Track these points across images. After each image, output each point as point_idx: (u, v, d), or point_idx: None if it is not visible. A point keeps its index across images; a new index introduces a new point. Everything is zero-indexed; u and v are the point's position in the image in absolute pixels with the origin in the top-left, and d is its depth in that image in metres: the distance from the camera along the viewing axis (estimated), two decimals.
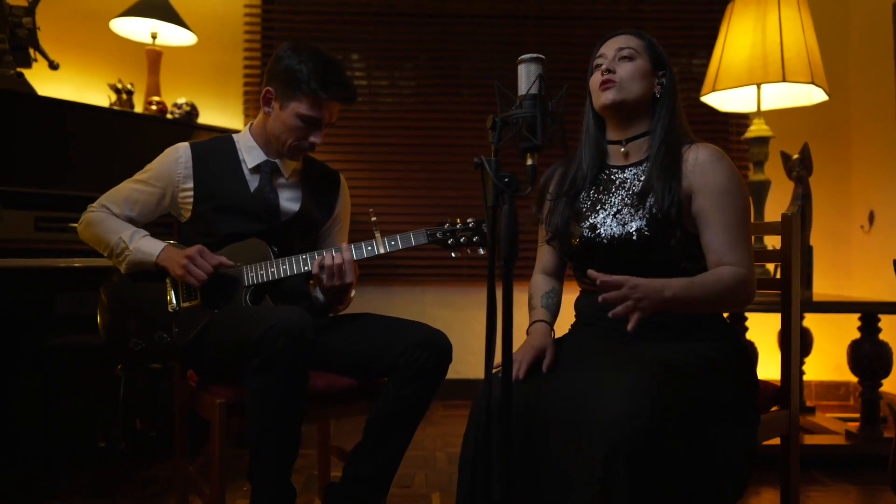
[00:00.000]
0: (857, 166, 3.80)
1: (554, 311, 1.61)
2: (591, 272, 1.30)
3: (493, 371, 1.39)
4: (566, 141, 1.27)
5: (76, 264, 2.35)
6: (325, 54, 1.78)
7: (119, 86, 2.95)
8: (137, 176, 1.84)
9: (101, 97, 3.08)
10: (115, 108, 2.95)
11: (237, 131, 2.07)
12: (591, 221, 1.53)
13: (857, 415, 2.72)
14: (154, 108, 2.94)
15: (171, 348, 1.72)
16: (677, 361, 1.36)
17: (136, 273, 1.77)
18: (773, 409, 1.60)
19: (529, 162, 1.24)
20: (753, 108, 3.01)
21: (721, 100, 3.06)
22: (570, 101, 1.27)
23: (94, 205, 1.83)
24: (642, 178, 1.51)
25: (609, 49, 1.55)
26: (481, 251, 1.79)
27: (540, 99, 1.22)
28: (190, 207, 1.81)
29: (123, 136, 2.65)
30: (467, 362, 3.64)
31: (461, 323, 3.72)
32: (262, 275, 1.75)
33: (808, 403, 3.25)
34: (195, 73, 3.47)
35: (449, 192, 3.69)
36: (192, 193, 1.80)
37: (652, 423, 1.20)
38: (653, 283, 1.29)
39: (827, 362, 3.61)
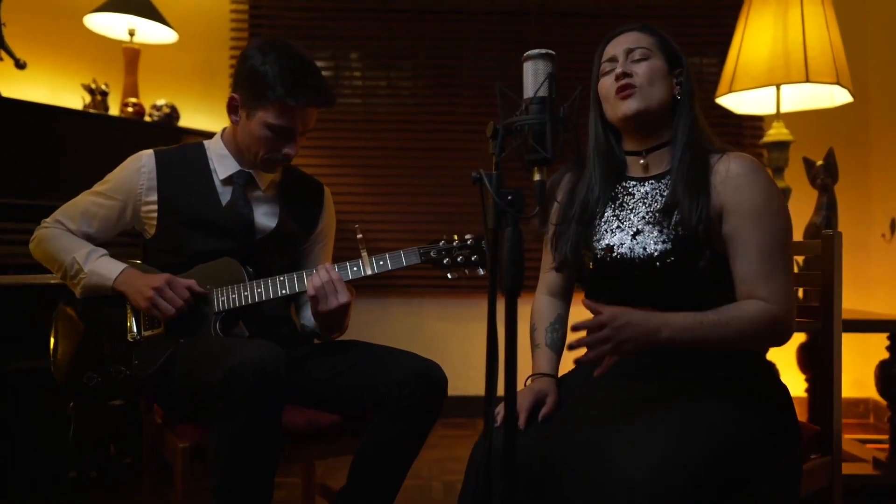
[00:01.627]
0: (877, 172, 3.61)
1: (559, 349, 1.43)
2: (586, 302, 1.14)
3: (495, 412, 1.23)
4: (580, 152, 1.08)
5: (52, 281, 2.15)
6: (295, 53, 1.58)
7: (93, 86, 2.75)
8: (96, 187, 1.65)
9: (74, 98, 2.88)
10: (91, 110, 2.75)
11: None
12: (608, 241, 1.34)
13: (879, 436, 2.53)
14: (131, 109, 2.74)
15: (130, 383, 1.53)
16: (708, 410, 1.17)
17: (93, 298, 1.58)
18: (813, 457, 1.40)
19: (537, 177, 1.05)
20: (769, 110, 2.82)
21: (737, 101, 2.87)
22: (585, 104, 1.08)
23: (48, 220, 1.64)
24: (665, 193, 1.32)
25: (617, 49, 1.35)
26: (481, 271, 1.59)
27: (550, 102, 1.03)
28: (154, 222, 1.62)
29: (96, 140, 2.46)
30: (468, 377, 3.45)
31: (461, 336, 3.53)
32: (234, 299, 1.56)
33: None
34: (177, 72, 3.26)
35: (449, 198, 3.48)
36: (156, 207, 1.61)
37: (680, 486, 1.02)
38: (647, 323, 1.13)
39: (845, 377, 3.38)
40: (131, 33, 2.86)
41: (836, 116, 3.10)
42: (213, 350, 1.41)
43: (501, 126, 1.06)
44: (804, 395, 3.00)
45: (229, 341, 1.48)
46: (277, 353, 1.35)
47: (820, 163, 2.57)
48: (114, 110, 2.84)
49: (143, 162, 1.63)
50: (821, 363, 1.42)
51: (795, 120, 2.95)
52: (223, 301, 1.56)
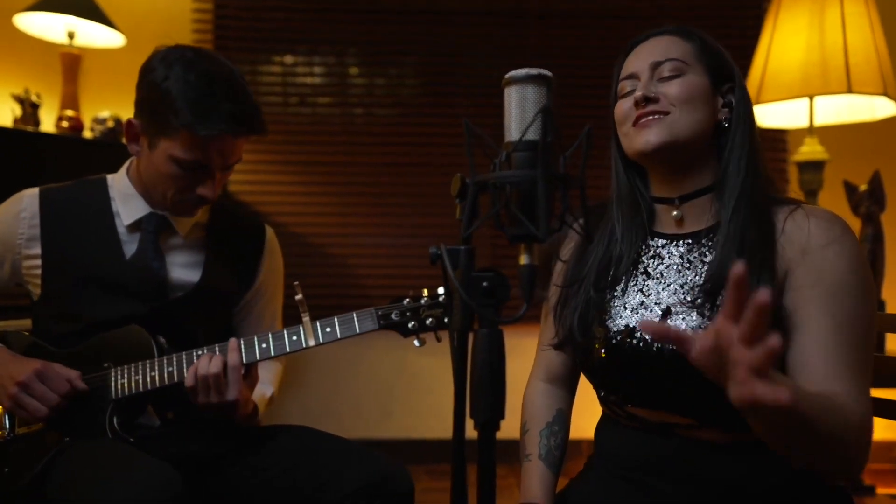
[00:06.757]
0: None
1: (557, 462, 1.08)
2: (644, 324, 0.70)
3: None
4: (589, 225, 0.72)
5: None
6: (207, 66, 1.21)
7: (24, 96, 2.39)
8: None
9: (5, 110, 2.52)
10: (28, 127, 2.39)
11: None
12: (626, 322, 0.98)
13: None
14: (66, 124, 2.38)
15: (1, 496, 1.17)
16: None
17: None
18: None
19: (524, 260, 0.70)
20: (797, 124, 2.48)
21: (763, 114, 2.51)
22: (597, 149, 0.73)
23: None
24: (706, 260, 0.96)
25: (641, 61, 1.00)
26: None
27: (544, 150, 0.67)
28: (38, 281, 1.26)
29: (19, 161, 2.11)
30: None
31: (449, 372, 3.12)
32: (136, 382, 1.20)
33: (867, 480, 2.70)
34: (126, 81, 2.84)
35: (441, 218, 3.09)
36: (39, 262, 1.26)
37: None
38: None
39: (877, 420, 3.04)
40: (71, 36, 2.50)
41: (874, 130, 2.73)
42: (87, 472, 1.05)
43: (472, 182, 0.71)
44: None
45: (115, 456, 1.09)
46: (169, 487, 0.98)
47: (864, 187, 2.21)
48: (48, 125, 2.48)
49: (23, 204, 1.27)
50: None
51: (827, 135, 2.59)
52: (122, 385, 1.20)
